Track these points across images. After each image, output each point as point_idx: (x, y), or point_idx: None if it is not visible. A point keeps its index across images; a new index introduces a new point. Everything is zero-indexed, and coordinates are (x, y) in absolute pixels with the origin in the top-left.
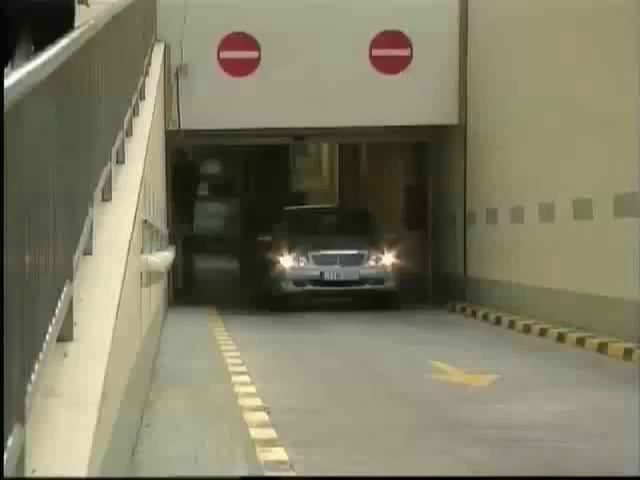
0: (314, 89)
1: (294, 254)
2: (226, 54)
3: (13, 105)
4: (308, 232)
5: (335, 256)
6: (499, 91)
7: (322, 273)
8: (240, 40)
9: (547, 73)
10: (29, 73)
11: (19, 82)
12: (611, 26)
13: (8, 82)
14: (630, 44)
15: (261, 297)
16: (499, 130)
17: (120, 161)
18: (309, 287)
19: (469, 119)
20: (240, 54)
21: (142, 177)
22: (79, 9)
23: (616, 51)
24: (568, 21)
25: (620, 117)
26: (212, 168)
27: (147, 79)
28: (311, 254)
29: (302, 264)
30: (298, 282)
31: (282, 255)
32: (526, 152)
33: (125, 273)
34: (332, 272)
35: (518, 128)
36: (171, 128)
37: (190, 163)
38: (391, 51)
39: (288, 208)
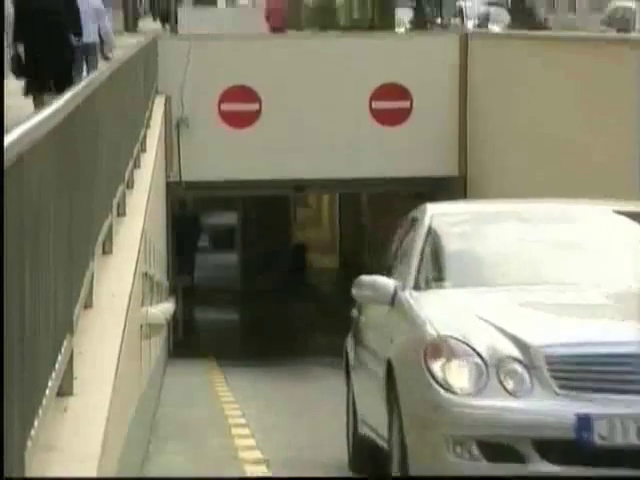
0: (314, 141)
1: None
2: (227, 106)
3: (13, 162)
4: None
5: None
6: (499, 142)
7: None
8: (241, 92)
9: (547, 123)
10: (30, 129)
11: (20, 139)
12: (611, 76)
13: (9, 139)
14: (630, 93)
15: None
16: (499, 181)
17: (121, 213)
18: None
19: (469, 170)
20: (241, 106)
21: (143, 229)
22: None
23: (617, 100)
24: (568, 71)
25: (620, 166)
26: (212, 219)
27: (148, 131)
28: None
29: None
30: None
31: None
32: None
33: (125, 326)
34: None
35: (518, 178)
36: (172, 179)
37: (190, 214)
38: (391, 103)
39: None
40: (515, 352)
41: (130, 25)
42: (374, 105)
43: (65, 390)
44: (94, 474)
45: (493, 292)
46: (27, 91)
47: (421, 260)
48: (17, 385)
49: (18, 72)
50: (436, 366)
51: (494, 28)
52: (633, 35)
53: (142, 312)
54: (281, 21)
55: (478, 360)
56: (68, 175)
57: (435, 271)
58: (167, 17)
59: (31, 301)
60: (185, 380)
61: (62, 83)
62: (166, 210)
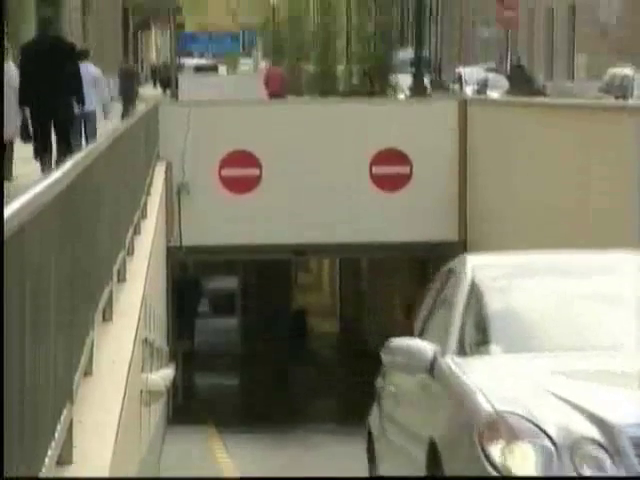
0: (315, 205)
1: None
2: (227, 172)
3: (14, 232)
4: None
5: None
6: (499, 206)
7: None
8: (241, 158)
9: (547, 188)
10: (31, 199)
11: (21, 209)
12: (610, 142)
13: (10, 210)
14: (629, 159)
15: None
16: (499, 245)
17: (121, 280)
18: None
19: (469, 235)
20: (241, 171)
21: (143, 296)
22: None
23: (616, 166)
24: (567, 137)
25: (620, 232)
26: (213, 283)
27: (149, 198)
28: None
29: None
30: None
31: None
32: None
33: (125, 394)
34: None
35: (518, 242)
36: (172, 244)
37: (191, 279)
38: (391, 169)
39: None
40: (593, 432)
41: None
42: (374, 170)
43: (64, 459)
44: None
45: (551, 358)
46: (35, 155)
47: (464, 320)
48: (17, 453)
49: (25, 136)
50: (494, 449)
51: (493, 94)
52: (631, 102)
53: (142, 379)
54: (279, 86)
55: (547, 442)
56: (69, 243)
57: (480, 333)
58: (168, 83)
59: (31, 369)
60: (185, 447)
61: (63, 147)
62: (166, 275)
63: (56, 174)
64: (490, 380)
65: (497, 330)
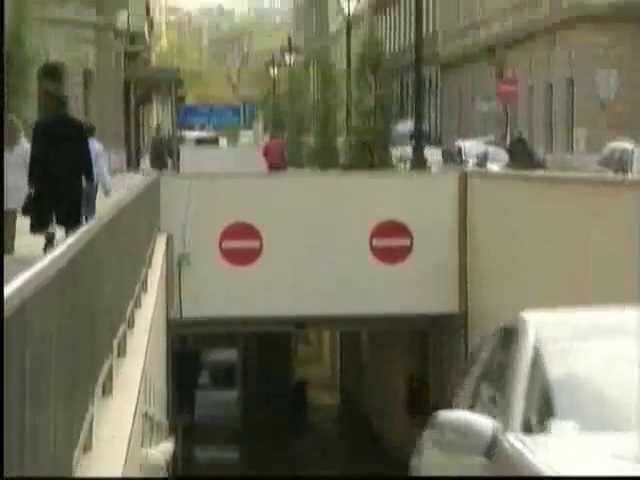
0: (315, 278)
1: None
2: (228, 244)
3: (16, 310)
4: None
5: None
6: (499, 278)
7: None
8: (242, 230)
9: (547, 261)
10: (32, 277)
11: (23, 287)
12: (609, 216)
13: (10, 288)
14: (628, 233)
15: None
16: (500, 316)
17: (122, 353)
18: None
19: (470, 307)
20: (242, 244)
21: (143, 370)
22: None
23: (615, 240)
24: (567, 210)
25: (620, 280)
26: (213, 355)
27: (149, 270)
28: None
29: None
30: None
31: None
32: None
33: (125, 469)
34: None
35: (518, 312)
36: (173, 316)
37: (191, 351)
38: (391, 241)
39: None
40: None
41: (132, 164)
42: (374, 243)
43: None
44: None
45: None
46: (31, 229)
47: (528, 390)
48: None
49: (25, 210)
50: None
51: (493, 167)
52: (630, 177)
53: (142, 453)
54: (279, 158)
55: None
56: (69, 318)
57: (547, 406)
58: (169, 156)
59: (31, 444)
60: None
61: (71, 223)
62: (166, 347)
63: (57, 250)
64: (575, 467)
65: (571, 402)
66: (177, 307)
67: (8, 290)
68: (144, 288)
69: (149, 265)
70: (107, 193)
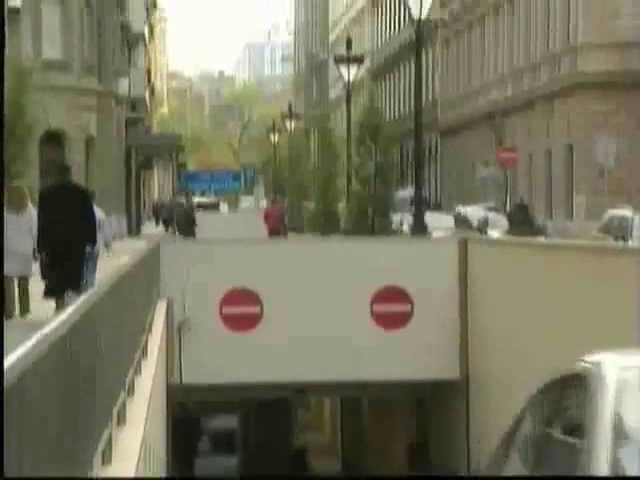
0: (315, 344)
1: None
2: (228, 309)
3: (15, 382)
4: None
5: None
6: (500, 344)
7: None
8: (242, 296)
9: (547, 324)
10: (32, 347)
11: (23, 358)
12: (610, 283)
13: (9, 361)
14: (629, 301)
15: None
16: (502, 382)
17: (121, 421)
18: None
19: (471, 373)
20: (242, 309)
21: (143, 438)
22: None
23: (615, 308)
24: (567, 277)
25: (620, 347)
26: (213, 421)
27: (149, 336)
28: None
29: None
30: None
31: None
32: None
33: None
34: None
35: (521, 378)
36: (173, 382)
37: (191, 417)
38: (392, 306)
39: None
40: None
41: (134, 229)
42: (375, 308)
43: None
44: None
45: None
46: (45, 294)
47: (613, 443)
48: None
49: (42, 276)
50: None
51: (493, 233)
52: (631, 244)
53: None
54: (279, 223)
55: None
56: (68, 387)
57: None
58: (170, 221)
59: None
60: None
61: (75, 288)
62: (166, 413)
63: (57, 319)
64: None
65: None
66: (177, 373)
67: (8, 361)
68: (144, 354)
69: (149, 331)
70: (109, 252)
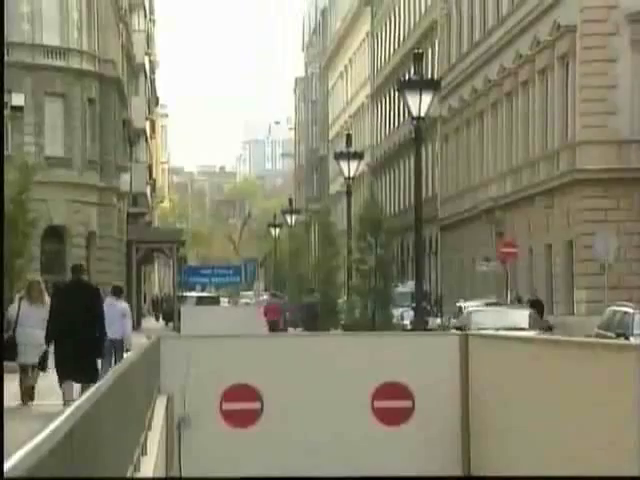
0: (315, 439)
1: None
2: (228, 405)
3: None
4: None
5: None
6: (502, 439)
7: None
8: (242, 391)
9: (548, 418)
10: (30, 452)
11: (20, 463)
12: (611, 379)
13: (9, 464)
14: (630, 397)
15: None
16: (504, 474)
17: None
18: None
19: (472, 469)
20: (242, 405)
21: None
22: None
23: (616, 403)
24: (568, 372)
25: (620, 459)
26: None
27: (149, 433)
28: None
29: None
30: None
31: None
32: None
33: None
34: None
35: (524, 472)
36: (172, 477)
37: None
38: (393, 402)
39: None
40: None
41: (134, 324)
42: (376, 404)
43: None
44: None
45: None
46: (60, 382)
47: None
48: None
49: (42, 367)
50: None
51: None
52: (632, 340)
53: None
54: (278, 316)
55: None
56: None
57: None
58: (170, 316)
59: None
60: None
61: (89, 376)
62: None
63: (54, 422)
64: None
65: None
66: (177, 469)
67: (8, 464)
68: (144, 452)
69: (149, 428)
70: (128, 350)
